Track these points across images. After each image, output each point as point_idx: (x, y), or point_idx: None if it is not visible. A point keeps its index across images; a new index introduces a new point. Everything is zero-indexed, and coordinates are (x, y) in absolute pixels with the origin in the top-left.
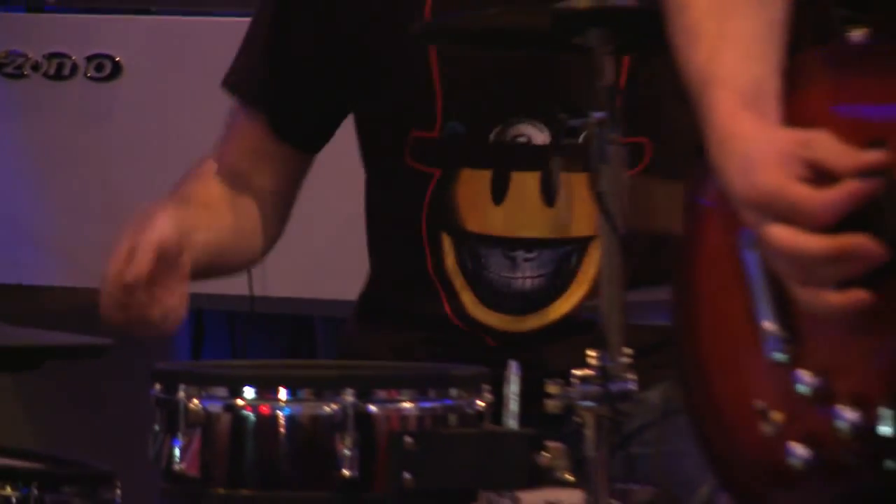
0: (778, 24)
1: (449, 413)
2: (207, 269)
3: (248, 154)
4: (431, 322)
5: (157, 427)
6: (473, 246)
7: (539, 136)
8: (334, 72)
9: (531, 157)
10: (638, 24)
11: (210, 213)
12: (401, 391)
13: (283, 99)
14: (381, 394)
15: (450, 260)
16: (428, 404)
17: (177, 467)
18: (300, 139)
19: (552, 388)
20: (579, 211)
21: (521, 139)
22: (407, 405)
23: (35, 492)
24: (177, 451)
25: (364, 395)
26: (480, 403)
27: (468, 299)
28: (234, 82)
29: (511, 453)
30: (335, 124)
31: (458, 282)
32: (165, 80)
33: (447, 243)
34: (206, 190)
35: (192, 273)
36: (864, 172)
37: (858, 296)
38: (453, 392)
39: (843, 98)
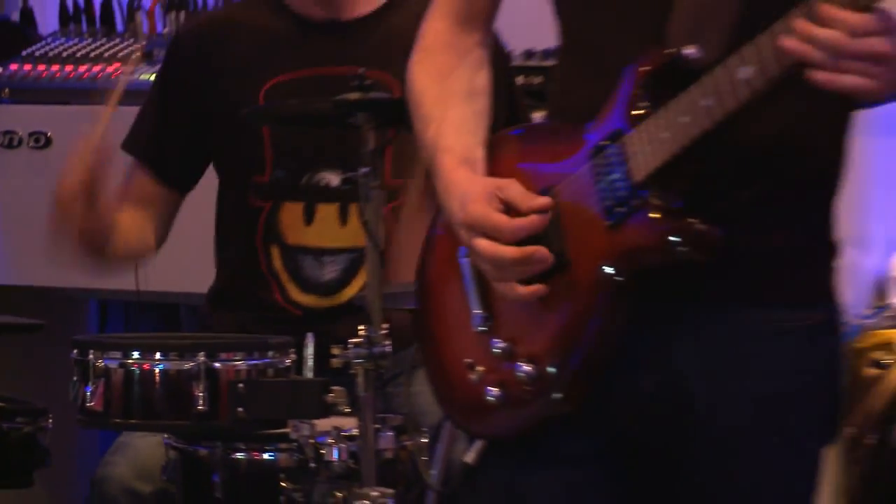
0: (481, 113)
1: (268, 368)
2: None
3: (139, 198)
4: (266, 305)
5: (74, 378)
6: (293, 253)
7: (334, 180)
8: (200, 137)
9: (330, 194)
10: (391, 111)
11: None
12: (235, 353)
13: (165, 155)
14: (223, 355)
15: (277, 263)
16: (253, 362)
17: (88, 405)
18: (176, 183)
19: (336, 350)
20: (360, 230)
21: (323, 182)
22: (239, 363)
23: None
24: (88, 395)
25: (212, 356)
26: (288, 361)
27: (292, 288)
28: (130, 144)
29: (309, 394)
30: (201, 172)
31: (284, 277)
32: None
33: (275, 252)
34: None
35: (96, 238)
36: (537, 210)
37: (537, 288)
38: (270, 353)
39: (525, 159)
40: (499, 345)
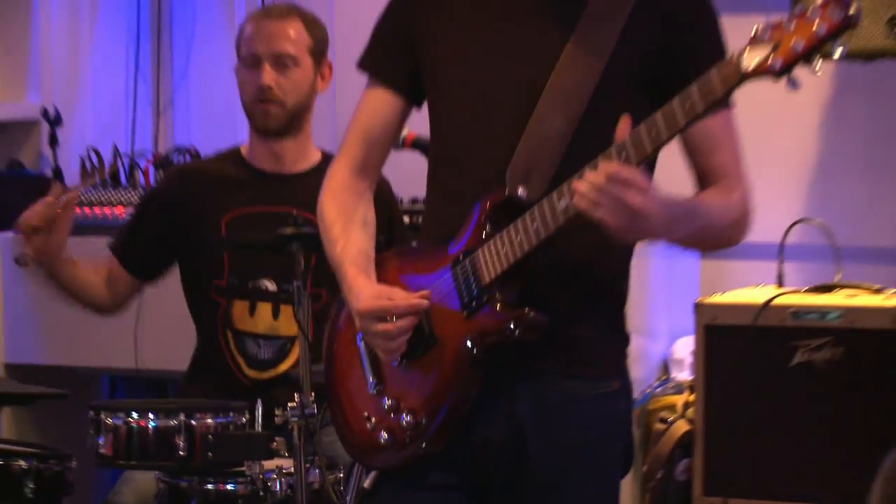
0: (371, 236)
1: (229, 424)
2: (67, 280)
3: (109, 272)
4: (224, 376)
5: (91, 432)
6: (241, 337)
7: (271, 286)
8: (167, 247)
9: (267, 296)
10: (314, 240)
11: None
12: (206, 413)
13: (131, 252)
14: (197, 415)
15: (231, 344)
16: (219, 420)
17: (101, 451)
18: (135, 272)
19: (278, 412)
20: (289, 322)
21: (263, 287)
22: (209, 420)
23: (34, 463)
24: (100, 443)
25: (189, 416)
26: (244, 419)
27: (242, 363)
28: (113, 246)
29: (259, 443)
30: (160, 270)
31: (235, 354)
32: None
33: (230, 335)
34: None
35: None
36: (416, 303)
37: (401, 342)
38: (231, 414)
39: (404, 271)
40: (387, 402)
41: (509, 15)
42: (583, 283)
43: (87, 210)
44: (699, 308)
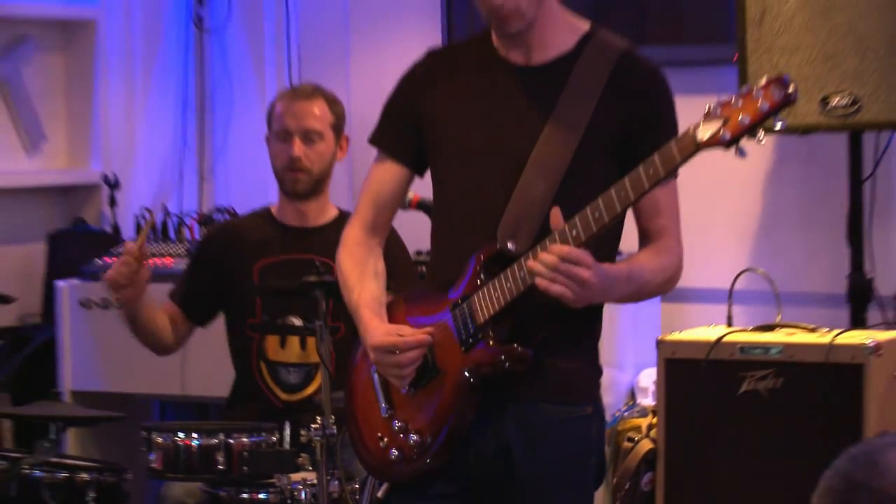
0: (382, 285)
1: (262, 442)
2: (145, 322)
3: (173, 324)
4: (260, 401)
5: (143, 449)
6: (274, 366)
7: (298, 322)
8: (215, 294)
9: (295, 330)
10: (333, 286)
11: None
12: (242, 433)
13: (189, 300)
14: (234, 434)
15: (265, 372)
16: (253, 439)
17: (152, 465)
18: (197, 320)
19: (303, 432)
20: (315, 351)
21: (290, 323)
22: (245, 439)
23: (95, 475)
24: (151, 459)
25: (228, 435)
26: (274, 438)
27: (275, 388)
28: (172, 295)
29: (287, 458)
30: (211, 315)
31: (271, 383)
32: None
33: (263, 366)
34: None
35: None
36: (422, 337)
37: (411, 371)
38: (263, 434)
39: (411, 313)
40: (397, 424)
41: (499, 97)
42: (562, 322)
43: (143, 262)
44: (660, 344)
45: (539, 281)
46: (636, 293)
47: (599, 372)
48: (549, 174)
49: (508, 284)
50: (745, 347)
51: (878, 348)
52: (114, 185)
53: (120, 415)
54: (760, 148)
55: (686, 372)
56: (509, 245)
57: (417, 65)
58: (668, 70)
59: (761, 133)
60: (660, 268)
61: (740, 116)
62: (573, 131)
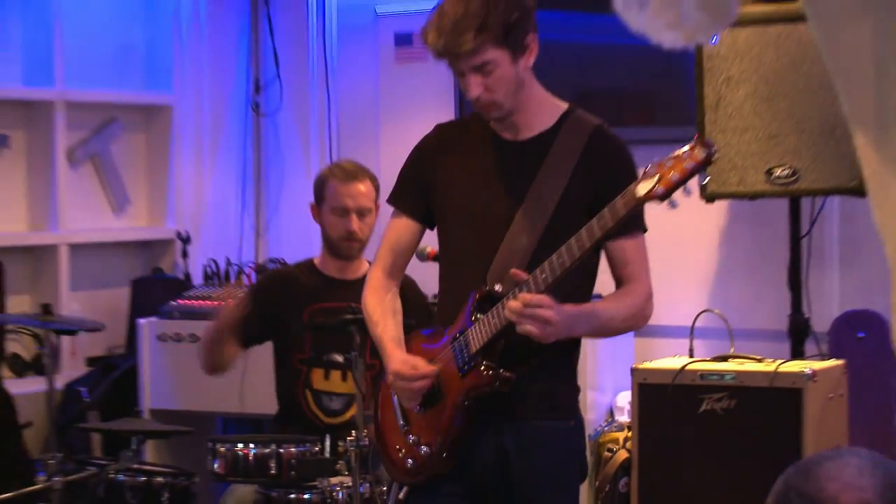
0: (399, 321)
1: (306, 452)
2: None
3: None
4: (306, 423)
5: (209, 457)
6: (318, 394)
7: (339, 357)
8: (266, 328)
9: (337, 365)
10: (365, 326)
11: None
12: (290, 444)
13: (247, 332)
14: (284, 445)
15: (310, 400)
16: (299, 448)
17: (216, 471)
18: (246, 345)
19: (340, 444)
20: (351, 384)
21: (333, 358)
22: (293, 449)
23: (169, 479)
24: (216, 465)
25: (278, 446)
26: (317, 448)
27: (319, 413)
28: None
29: (327, 465)
30: (261, 342)
31: (314, 408)
32: None
33: (308, 394)
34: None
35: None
36: (427, 374)
37: (424, 384)
38: (307, 444)
39: (426, 342)
40: (412, 438)
41: (490, 168)
42: (545, 353)
43: (207, 303)
44: (634, 371)
45: (511, 317)
46: (602, 328)
47: (578, 391)
48: (531, 231)
49: (494, 320)
50: (704, 374)
51: (814, 375)
52: (186, 240)
53: (189, 429)
54: (715, 208)
55: (655, 394)
56: (496, 287)
57: (428, 137)
58: (640, 147)
59: (686, 188)
60: (624, 306)
61: (671, 174)
62: (551, 195)
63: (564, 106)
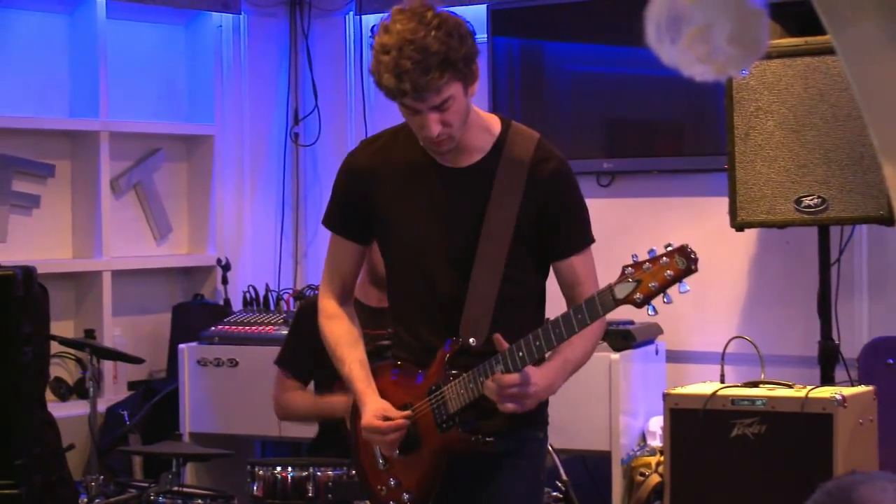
0: (364, 355)
1: (343, 475)
2: None
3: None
4: (344, 446)
5: (248, 480)
6: None
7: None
8: (316, 360)
9: None
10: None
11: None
12: (327, 468)
13: (303, 369)
14: (321, 469)
15: (348, 425)
16: (336, 472)
17: (254, 493)
18: (305, 382)
19: None
20: None
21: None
22: (329, 472)
23: (209, 501)
24: (254, 488)
25: (317, 469)
26: (352, 472)
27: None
28: (283, 362)
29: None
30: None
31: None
32: None
33: (348, 419)
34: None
35: None
36: (400, 427)
37: (398, 436)
38: (344, 468)
39: (393, 384)
40: (392, 481)
41: (435, 197)
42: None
43: (246, 329)
44: (666, 396)
45: (492, 399)
46: (574, 370)
47: (546, 402)
48: (493, 272)
49: (471, 386)
50: (735, 400)
51: (844, 401)
52: (226, 267)
53: (229, 452)
54: (746, 237)
55: (687, 419)
56: (471, 341)
57: (356, 157)
58: (671, 176)
59: (666, 296)
60: (587, 340)
61: (650, 283)
62: (505, 231)
63: (497, 124)
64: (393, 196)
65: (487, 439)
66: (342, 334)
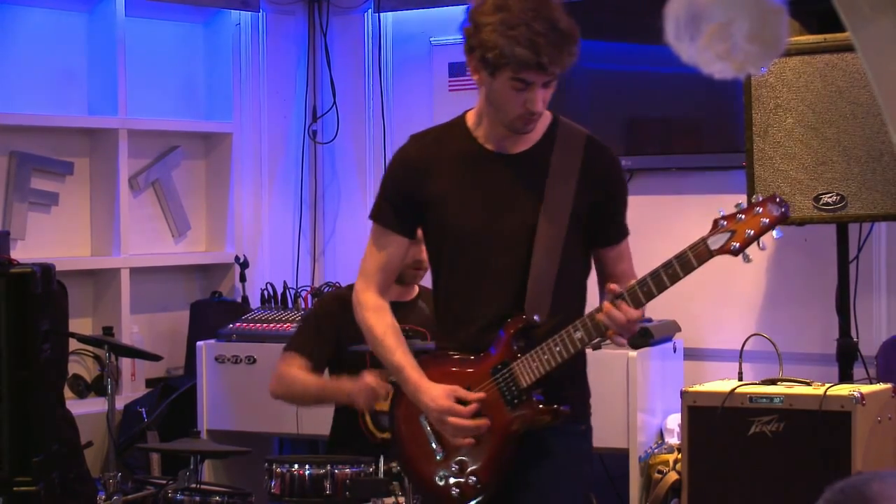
0: (404, 339)
1: (361, 472)
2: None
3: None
4: (360, 440)
5: (266, 477)
6: (376, 414)
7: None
8: (333, 351)
9: (395, 385)
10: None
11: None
12: (345, 465)
13: (320, 358)
14: (339, 466)
15: (368, 418)
16: (354, 469)
17: (272, 491)
18: (321, 371)
19: (393, 464)
20: None
21: (391, 379)
22: (347, 470)
23: (226, 498)
24: (272, 485)
25: (333, 466)
26: (371, 469)
27: (375, 430)
28: (296, 346)
29: (381, 486)
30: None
31: (370, 424)
32: None
33: (367, 413)
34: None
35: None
36: (476, 399)
37: (483, 423)
38: (362, 465)
39: (445, 371)
40: (454, 466)
41: (492, 184)
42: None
43: (264, 326)
44: (684, 394)
45: (610, 332)
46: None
47: (590, 395)
48: (551, 252)
49: (546, 357)
50: (753, 397)
51: (862, 399)
52: (244, 264)
53: (246, 449)
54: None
55: (705, 417)
56: (535, 317)
57: (407, 150)
58: (689, 174)
59: (762, 241)
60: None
61: (746, 230)
62: (562, 213)
63: (549, 114)
64: (448, 184)
65: (564, 410)
66: (389, 325)
